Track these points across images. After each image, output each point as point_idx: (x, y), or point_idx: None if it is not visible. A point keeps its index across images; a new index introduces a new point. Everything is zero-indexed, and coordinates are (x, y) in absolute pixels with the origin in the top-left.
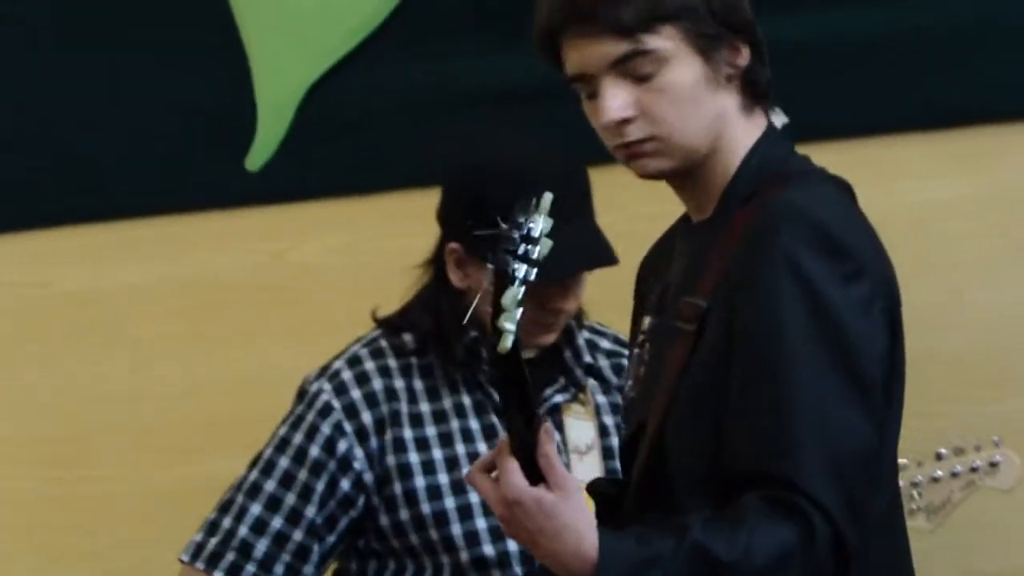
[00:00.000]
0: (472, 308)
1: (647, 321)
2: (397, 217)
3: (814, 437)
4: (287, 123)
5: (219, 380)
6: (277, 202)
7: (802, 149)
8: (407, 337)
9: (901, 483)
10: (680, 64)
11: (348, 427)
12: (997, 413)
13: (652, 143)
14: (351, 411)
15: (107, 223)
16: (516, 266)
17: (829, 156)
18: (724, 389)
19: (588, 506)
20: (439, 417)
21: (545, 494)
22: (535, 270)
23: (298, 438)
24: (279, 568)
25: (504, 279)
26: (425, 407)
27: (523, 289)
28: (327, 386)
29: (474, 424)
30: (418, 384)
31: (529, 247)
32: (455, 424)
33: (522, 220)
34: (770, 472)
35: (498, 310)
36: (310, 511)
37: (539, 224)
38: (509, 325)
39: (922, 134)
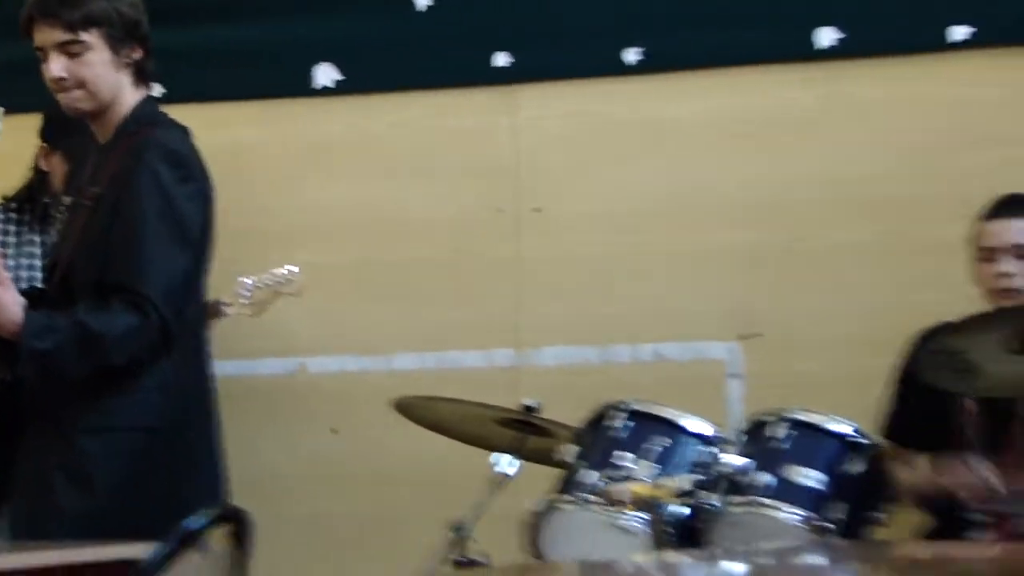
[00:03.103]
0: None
1: (68, 200)
2: None
3: (154, 264)
4: None
5: None
6: None
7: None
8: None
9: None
10: (98, 51)
11: None
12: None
13: (81, 92)
14: None
15: None
16: None
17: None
18: (107, 240)
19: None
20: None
21: None
22: None
23: None
24: None
25: None
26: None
27: None
28: None
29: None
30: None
31: None
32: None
33: None
34: (127, 284)
35: None
36: None
37: None
38: None
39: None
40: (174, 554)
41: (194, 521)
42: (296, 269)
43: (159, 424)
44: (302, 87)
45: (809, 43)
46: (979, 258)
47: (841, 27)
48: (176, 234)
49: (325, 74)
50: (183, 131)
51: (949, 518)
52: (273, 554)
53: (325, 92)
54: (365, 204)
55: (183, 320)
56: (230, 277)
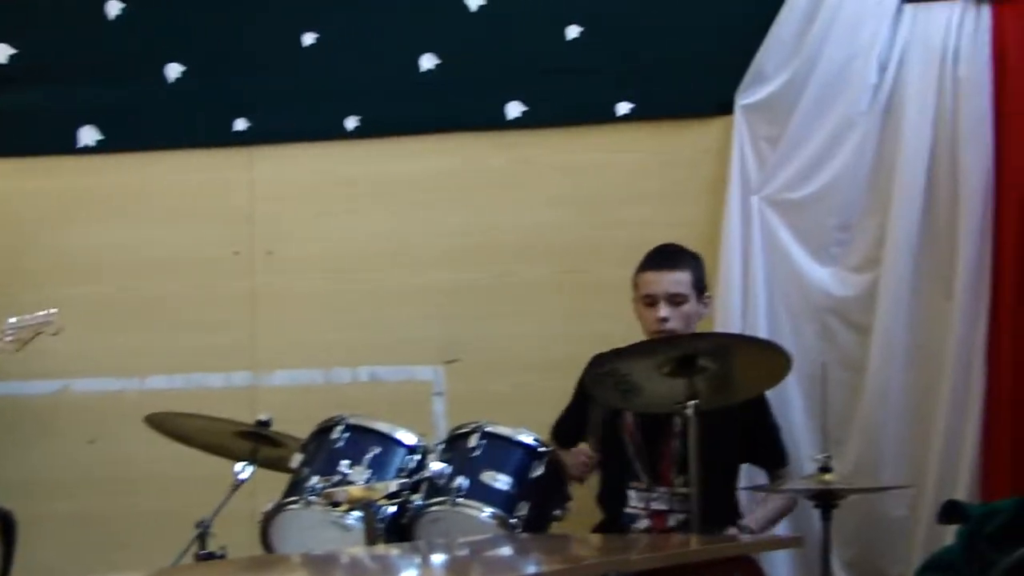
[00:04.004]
0: None
1: None
2: None
3: None
4: None
5: None
6: None
7: None
8: None
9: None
10: None
11: None
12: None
13: None
14: None
15: None
16: None
17: None
18: None
19: None
20: None
21: None
22: None
23: None
24: None
25: None
26: None
27: None
28: None
29: None
30: None
31: None
32: None
33: None
34: None
35: None
36: None
37: None
38: None
39: None
40: None
41: None
42: (54, 311)
43: None
44: (68, 146)
45: (502, 114)
46: (641, 303)
47: (525, 102)
48: None
49: (88, 135)
50: None
51: (616, 513)
52: (37, 548)
53: (88, 150)
54: (122, 246)
55: None
56: (4, 309)
